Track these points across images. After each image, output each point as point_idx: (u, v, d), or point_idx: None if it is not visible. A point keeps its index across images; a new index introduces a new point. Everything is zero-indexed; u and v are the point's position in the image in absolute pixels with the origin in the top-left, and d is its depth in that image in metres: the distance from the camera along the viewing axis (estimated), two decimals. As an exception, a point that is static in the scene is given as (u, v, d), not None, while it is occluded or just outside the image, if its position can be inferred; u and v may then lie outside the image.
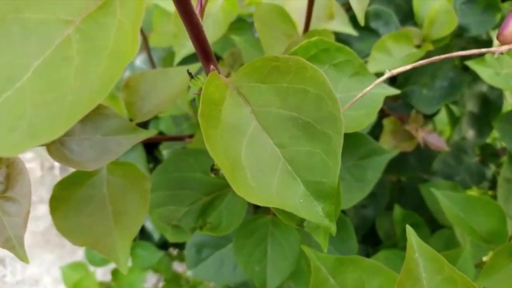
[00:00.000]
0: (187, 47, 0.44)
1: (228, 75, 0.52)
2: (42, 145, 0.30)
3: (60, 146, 0.29)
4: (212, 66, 0.24)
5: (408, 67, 0.24)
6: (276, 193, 0.21)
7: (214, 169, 0.33)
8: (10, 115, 0.15)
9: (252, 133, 0.21)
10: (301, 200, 0.21)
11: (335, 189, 0.21)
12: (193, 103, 0.53)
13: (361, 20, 0.31)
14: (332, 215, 0.21)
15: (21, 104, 0.15)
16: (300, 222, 0.36)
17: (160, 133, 0.67)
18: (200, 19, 0.22)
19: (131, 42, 0.14)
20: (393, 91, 0.34)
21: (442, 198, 0.47)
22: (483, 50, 0.23)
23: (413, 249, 0.28)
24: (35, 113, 0.14)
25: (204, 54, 0.24)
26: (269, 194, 0.21)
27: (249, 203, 0.42)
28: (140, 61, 0.69)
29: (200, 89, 0.29)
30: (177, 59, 0.44)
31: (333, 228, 0.22)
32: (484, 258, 0.53)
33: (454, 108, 0.69)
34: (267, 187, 0.21)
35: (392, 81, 0.59)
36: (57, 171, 1.49)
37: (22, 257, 0.25)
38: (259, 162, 0.21)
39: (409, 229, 0.29)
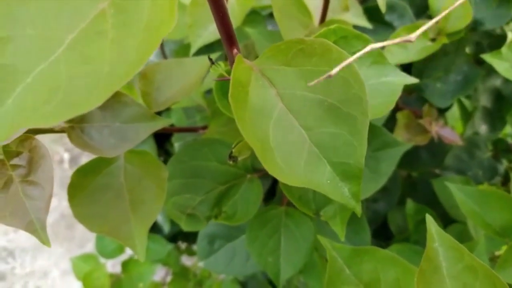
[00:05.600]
0: (203, 37, 0.44)
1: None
2: (63, 131, 0.30)
3: (80, 133, 0.29)
4: (235, 50, 0.24)
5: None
6: (304, 174, 0.21)
7: (232, 157, 0.33)
8: (45, 87, 0.15)
9: (278, 115, 0.22)
10: (328, 181, 0.21)
11: (361, 170, 0.21)
12: (206, 94, 0.53)
13: (383, 7, 0.31)
14: (358, 195, 0.21)
15: (56, 77, 0.15)
16: (317, 211, 0.36)
17: (171, 125, 0.67)
18: (225, 2, 0.22)
19: (168, 15, 0.14)
20: (412, 79, 0.34)
21: (456, 191, 0.46)
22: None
23: (433, 238, 0.28)
24: (71, 84, 0.14)
25: (228, 37, 0.24)
26: (298, 174, 0.21)
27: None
28: (152, 54, 0.69)
29: (220, 75, 0.29)
30: (193, 49, 0.44)
31: (359, 209, 0.22)
32: (497, 253, 0.53)
33: (466, 103, 0.69)
34: (296, 168, 0.21)
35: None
36: (67, 165, 1.50)
37: (44, 240, 0.25)
38: (286, 144, 0.21)
39: (429, 218, 0.29)
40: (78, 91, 0.14)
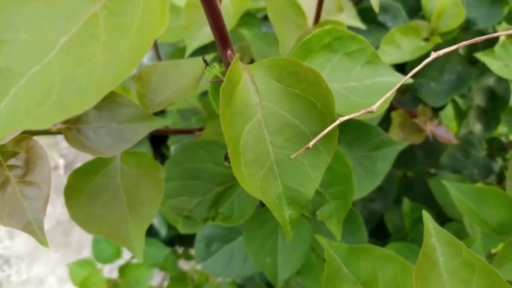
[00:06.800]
0: (198, 39, 0.44)
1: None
2: (60, 133, 0.30)
3: (77, 134, 0.29)
4: (229, 52, 0.24)
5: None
6: (260, 186, 0.22)
7: (227, 158, 0.33)
8: (38, 90, 0.15)
9: (254, 123, 0.22)
10: (277, 201, 0.22)
11: (308, 201, 0.23)
12: (202, 97, 0.53)
13: (376, 7, 0.31)
14: (295, 223, 0.23)
15: (49, 79, 0.15)
16: (313, 211, 0.36)
17: (167, 127, 0.67)
18: (219, 4, 0.22)
19: (160, 18, 0.15)
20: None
21: (453, 189, 0.46)
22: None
23: (430, 234, 0.28)
24: (64, 86, 0.15)
25: (222, 39, 0.24)
26: (255, 184, 0.22)
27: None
28: (147, 58, 0.70)
29: (215, 77, 0.30)
30: (188, 51, 0.45)
31: (290, 235, 0.23)
32: (493, 250, 0.53)
33: (460, 102, 0.69)
34: (254, 178, 0.22)
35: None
36: (62, 171, 1.50)
37: (42, 241, 0.25)
38: (252, 153, 0.22)
39: (425, 215, 0.29)
40: (71, 93, 0.15)
